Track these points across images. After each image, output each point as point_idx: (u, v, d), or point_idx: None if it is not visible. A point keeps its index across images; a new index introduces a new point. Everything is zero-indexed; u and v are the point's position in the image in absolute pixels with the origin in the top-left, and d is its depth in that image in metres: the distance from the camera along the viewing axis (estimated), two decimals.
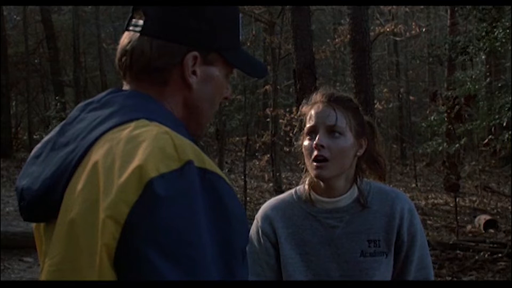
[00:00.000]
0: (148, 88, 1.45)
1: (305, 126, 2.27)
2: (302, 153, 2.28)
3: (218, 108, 1.75)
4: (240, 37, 1.56)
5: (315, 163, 2.18)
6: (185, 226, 1.19)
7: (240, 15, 1.58)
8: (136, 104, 1.40)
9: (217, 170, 1.29)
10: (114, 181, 1.22)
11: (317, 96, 2.27)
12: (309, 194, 2.30)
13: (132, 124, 1.32)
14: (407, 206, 2.27)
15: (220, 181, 1.28)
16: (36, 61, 27.61)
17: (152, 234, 1.18)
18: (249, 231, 1.39)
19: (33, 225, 1.48)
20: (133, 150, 1.25)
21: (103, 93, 1.46)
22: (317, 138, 2.18)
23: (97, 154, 1.29)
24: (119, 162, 1.24)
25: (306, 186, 2.32)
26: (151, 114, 1.37)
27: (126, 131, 1.30)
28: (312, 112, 2.24)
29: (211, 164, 1.28)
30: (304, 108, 2.30)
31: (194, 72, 1.46)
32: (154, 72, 1.44)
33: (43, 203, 1.34)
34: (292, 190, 2.41)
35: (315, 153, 2.18)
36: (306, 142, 2.24)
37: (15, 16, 28.58)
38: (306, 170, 2.31)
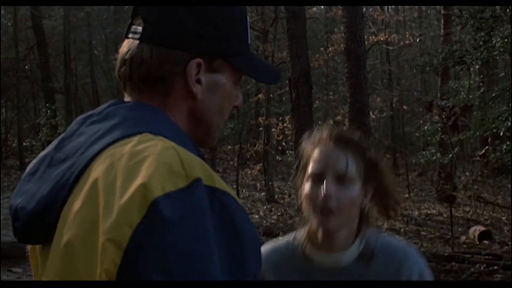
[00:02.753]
0: (151, 99, 1.36)
1: (305, 167, 1.99)
2: (300, 197, 2.00)
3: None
4: (249, 41, 1.48)
5: (320, 215, 1.91)
6: (193, 250, 1.08)
7: (247, 18, 1.50)
8: (140, 117, 1.30)
9: (227, 188, 1.19)
10: (115, 200, 1.12)
11: (322, 135, 1.99)
12: (305, 248, 2.02)
13: (135, 139, 1.22)
14: (416, 271, 1.97)
15: (231, 200, 1.17)
16: (26, 67, 27.52)
17: (158, 258, 1.07)
18: (261, 253, 1.24)
19: (29, 246, 1.38)
20: (136, 167, 1.15)
21: (104, 105, 1.37)
22: (325, 187, 1.89)
23: (97, 171, 1.19)
24: (121, 180, 1.14)
25: (304, 238, 2.04)
26: (155, 127, 1.27)
27: (129, 145, 1.20)
28: (318, 154, 1.96)
29: (220, 182, 1.19)
30: (306, 147, 2.02)
31: (198, 81, 1.37)
32: (156, 82, 1.35)
33: (39, 224, 1.24)
34: (290, 237, 2.11)
35: (322, 203, 1.90)
36: (308, 188, 1.95)
37: (5, 22, 28.45)
38: (303, 219, 2.02)
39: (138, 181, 1.12)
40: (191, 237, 1.08)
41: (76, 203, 1.18)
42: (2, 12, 27.69)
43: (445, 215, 15.29)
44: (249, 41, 1.48)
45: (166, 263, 1.06)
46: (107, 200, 1.13)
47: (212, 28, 1.38)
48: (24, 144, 23.16)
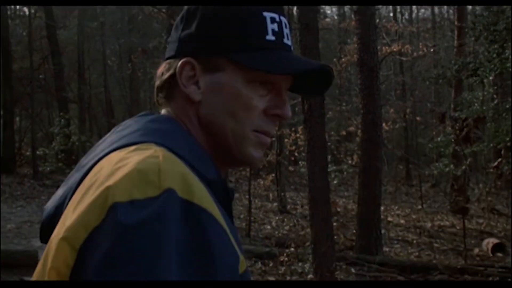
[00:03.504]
0: (168, 110, 1.39)
1: None
2: None
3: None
4: (268, 35, 1.35)
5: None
6: (147, 262, 1.01)
7: (270, 11, 1.38)
8: (153, 128, 1.29)
9: (209, 206, 1.12)
10: (85, 201, 1.11)
11: None
12: None
13: (134, 147, 1.21)
14: None
15: (211, 220, 1.10)
16: (40, 76, 27.66)
17: (107, 267, 1.02)
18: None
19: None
20: (115, 171, 1.12)
21: (135, 116, 1.40)
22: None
23: (90, 175, 1.20)
24: (98, 183, 1.13)
25: None
26: (163, 138, 1.25)
27: (124, 152, 1.19)
28: None
29: (202, 199, 1.11)
30: None
31: (196, 83, 1.34)
32: (163, 91, 1.39)
33: (51, 226, 1.25)
34: None
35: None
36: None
37: (20, 31, 28.63)
38: None
39: (106, 184, 1.10)
40: (147, 248, 1.02)
41: (69, 204, 1.18)
42: (17, 22, 27.95)
43: (458, 227, 15.22)
44: (268, 35, 1.35)
45: (115, 273, 1.01)
46: (80, 200, 1.13)
47: (204, 28, 1.35)
48: (37, 153, 23.23)
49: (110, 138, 1.31)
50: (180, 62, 1.34)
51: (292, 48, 1.40)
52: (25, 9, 29.48)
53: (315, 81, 1.44)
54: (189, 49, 1.35)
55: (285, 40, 1.38)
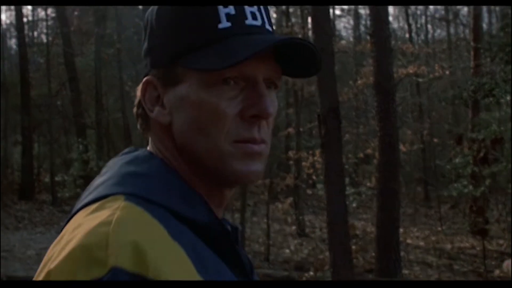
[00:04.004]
0: (150, 141, 1.22)
1: None
2: None
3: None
4: (221, 23, 1.12)
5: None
6: None
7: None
8: (128, 173, 1.12)
9: (171, 274, 0.95)
10: (39, 274, 1.00)
11: None
12: None
13: (98, 204, 1.05)
14: None
15: None
16: (58, 103, 27.83)
17: None
18: None
19: None
20: (64, 246, 0.99)
21: (120, 153, 1.23)
22: None
23: (59, 236, 1.07)
24: (42, 265, 1.02)
25: None
26: (136, 185, 1.08)
27: (84, 213, 1.05)
28: None
29: (160, 269, 0.94)
30: None
31: (162, 103, 1.16)
32: (139, 119, 1.23)
33: None
34: None
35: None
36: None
37: (38, 59, 28.91)
38: None
39: (48, 267, 0.98)
40: None
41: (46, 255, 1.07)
42: (35, 49, 28.23)
43: (478, 248, 15.11)
44: (223, 23, 1.12)
45: None
46: (42, 267, 1.02)
47: (153, 36, 1.18)
48: (56, 179, 23.35)
49: (95, 182, 1.16)
50: (141, 84, 1.18)
51: (265, 26, 1.17)
52: (43, 36, 29.85)
53: (303, 59, 1.18)
54: (148, 65, 1.19)
55: (249, 21, 1.14)
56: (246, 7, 1.14)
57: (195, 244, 1.04)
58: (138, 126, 1.23)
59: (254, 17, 1.14)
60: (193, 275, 0.99)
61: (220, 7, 1.12)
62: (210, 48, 1.10)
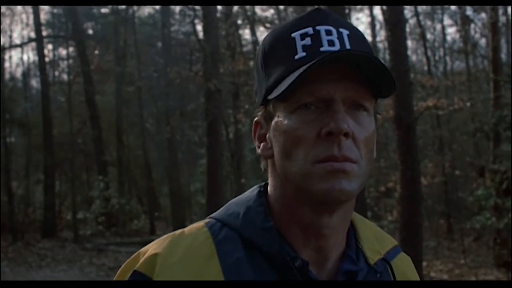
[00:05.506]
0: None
1: None
2: None
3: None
4: (297, 54, 1.20)
5: None
6: None
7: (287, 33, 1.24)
8: (233, 201, 1.31)
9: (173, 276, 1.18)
10: None
11: None
12: None
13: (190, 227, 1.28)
14: None
15: None
16: (79, 141, 28.03)
17: None
18: None
19: None
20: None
21: None
22: None
23: None
24: None
25: None
26: (223, 211, 1.27)
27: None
28: None
29: (166, 274, 1.18)
30: None
31: (266, 140, 1.26)
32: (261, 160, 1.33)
33: None
34: None
35: None
36: None
37: (59, 98, 29.21)
38: None
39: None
40: None
41: None
42: (56, 88, 28.54)
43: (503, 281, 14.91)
44: (299, 54, 1.20)
45: None
46: None
47: (256, 76, 1.29)
48: (78, 216, 23.44)
49: None
50: (254, 125, 1.30)
51: (340, 49, 1.20)
52: (64, 75, 30.19)
53: (380, 77, 1.20)
54: (258, 105, 1.28)
55: (324, 48, 1.19)
56: (323, 36, 1.20)
57: (240, 259, 1.18)
58: (261, 166, 1.31)
59: (330, 44, 1.20)
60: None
61: (298, 40, 1.20)
62: (288, 78, 1.16)
